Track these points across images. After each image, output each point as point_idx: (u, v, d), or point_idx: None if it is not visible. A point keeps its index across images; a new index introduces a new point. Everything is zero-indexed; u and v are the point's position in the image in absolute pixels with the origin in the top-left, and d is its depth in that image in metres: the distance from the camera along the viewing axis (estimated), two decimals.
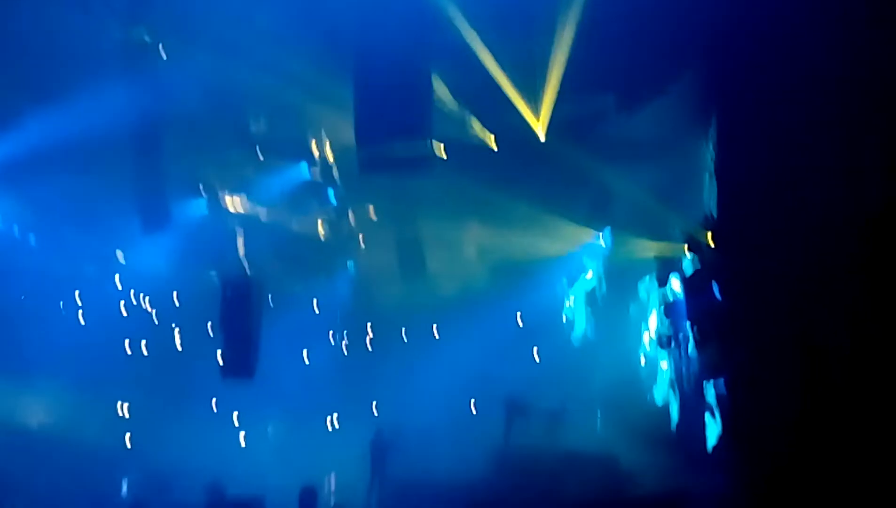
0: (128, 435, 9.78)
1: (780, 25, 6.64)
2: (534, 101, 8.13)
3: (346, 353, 10.60)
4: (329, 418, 10.43)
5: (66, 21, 7.60)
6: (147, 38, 7.74)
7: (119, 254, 9.35)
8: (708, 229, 8.03)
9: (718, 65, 7.37)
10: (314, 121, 8.80)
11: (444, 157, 7.79)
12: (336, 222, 9.93)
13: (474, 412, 10.25)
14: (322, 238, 9.97)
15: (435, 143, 7.59)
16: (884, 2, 6.15)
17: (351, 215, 9.90)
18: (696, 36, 7.34)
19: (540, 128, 8.24)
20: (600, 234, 9.61)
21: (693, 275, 8.28)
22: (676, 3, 7.19)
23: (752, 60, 6.97)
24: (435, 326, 10.44)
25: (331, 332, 10.44)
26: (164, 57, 7.86)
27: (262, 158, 8.96)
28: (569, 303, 10.60)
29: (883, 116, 6.20)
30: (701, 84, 7.74)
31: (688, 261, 8.40)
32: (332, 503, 9.14)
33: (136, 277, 9.61)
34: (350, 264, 10.25)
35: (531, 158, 8.51)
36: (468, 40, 7.61)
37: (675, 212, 8.61)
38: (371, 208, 9.82)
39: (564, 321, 10.61)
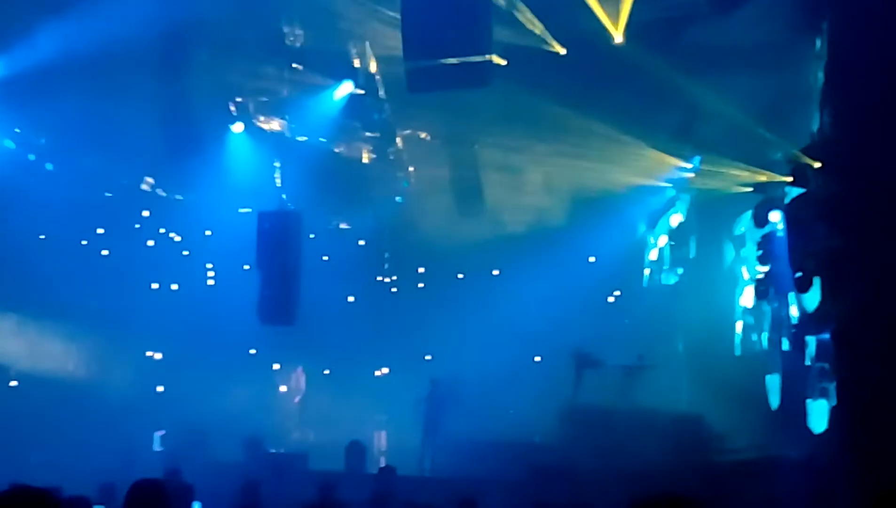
0: (160, 387, 9.37)
1: None
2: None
3: (395, 296, 9.85)
4: (377, 368, 9.80)
5: None
6: None
7: (146, 182, 8.69)
8: (816, 156, 7.08)
9: None
10: (356, 29, 7.93)
11: (504, 63, 7.06)
12: (382, 147, 9.15)
13: (539, 362, 9.44)
14: (367, 165, 9.15)
15: (494, 53, 6.81)
16: None
17: (399, 138, 9.08)
18: None
19: (617, 32, 7.18)
20: (689, 161, 8.49)
21: (797, 209, 7.35)
22: None
23: None
24: (495, 267, 9.67)
25: (378, 274, 9.69)
26: None
27: (299, 72, 8.13)
28: (651, 242, 9.71)
29: None
30: None
31: (791, 193, 7.47)
32: (382, 462, 8.49)
33: (163, 209, 8.96)
34: (399, 196, 9.42)
35: (606, 68, 7.65)
36: None
37: (776, 134, 7.61)
38: (421, 131, 8.94)
39: (645, 263, 9.72)
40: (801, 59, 7.16)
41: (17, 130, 8.15)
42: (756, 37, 7.35)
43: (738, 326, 9.06)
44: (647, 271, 9.95)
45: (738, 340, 9.07)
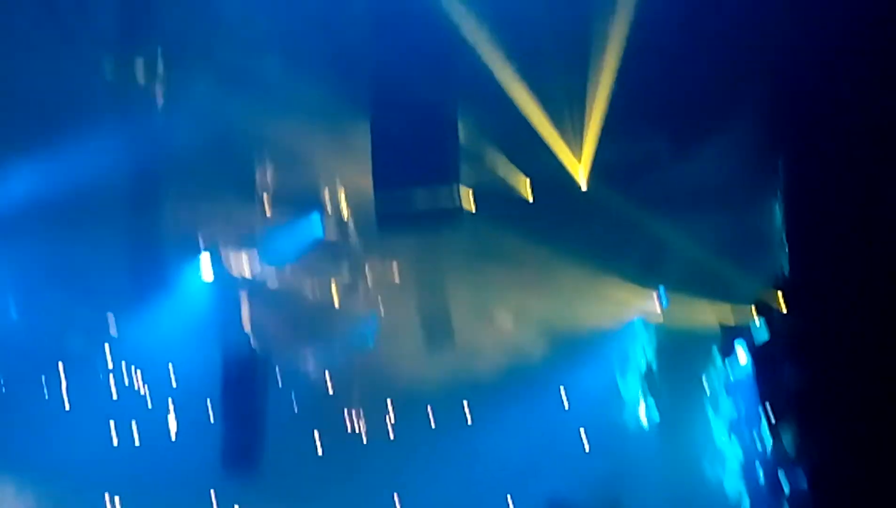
0: None
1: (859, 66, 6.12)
2: (574, 143, 7.57)
3: (364, 439, 9.68)
4: None
5: (52, 62, 7.14)
6: (141, 80, 7.17)
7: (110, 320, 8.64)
8: (780, 290, 7.21)
9: (787, 100, 6.76)
10: (327, 169, 8.17)
11: (473, 208, 7.29)
12: (352, 286, 9.18)
13: None
14: (336, 305, 9.18)
15: (463, 192, 7.05)
16: None
17: (369, 277, 9.14)
18: (762, 66, 6.79)
19: (582, 174, 7.53)
20: (656, 297, 8.69)
21: (763, 345, 7.51)
22: (738, 28, 6.75)
23: (826, 96, 6.37)
24: (466, 407, 9.43)
25: (346, 414, 9.54)
26: (161, 100, 7.28)
27: (269, 212, 8.30)
28: (621, 380, 9.55)
29: None
30: (767, 122, 7.16)
31: (757, 328, 7.62)
32: None
33: (128, 349, 8.85)
34: (368, 334, 9.42)
35: (572, 209, 7.89)
36: (498, 74, 7.19)
37: (740, 271, 7.88)
38: (392, 268, 9.05)
39: (616, 401, 9.50)
40: (760, 198, 7.51)
41: None
42: (716, 178, 7.70)
43: (717, 466, 8.87)
44: (622, 413, 9.69)
45: (716, 480, 8.84)
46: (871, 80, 6.27)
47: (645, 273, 8.49)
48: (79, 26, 7.27)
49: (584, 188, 7.75)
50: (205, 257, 8.36)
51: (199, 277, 8.64)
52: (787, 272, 7.24)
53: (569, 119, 7.50)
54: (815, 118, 6.61)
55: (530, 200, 8.11)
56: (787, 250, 7.17)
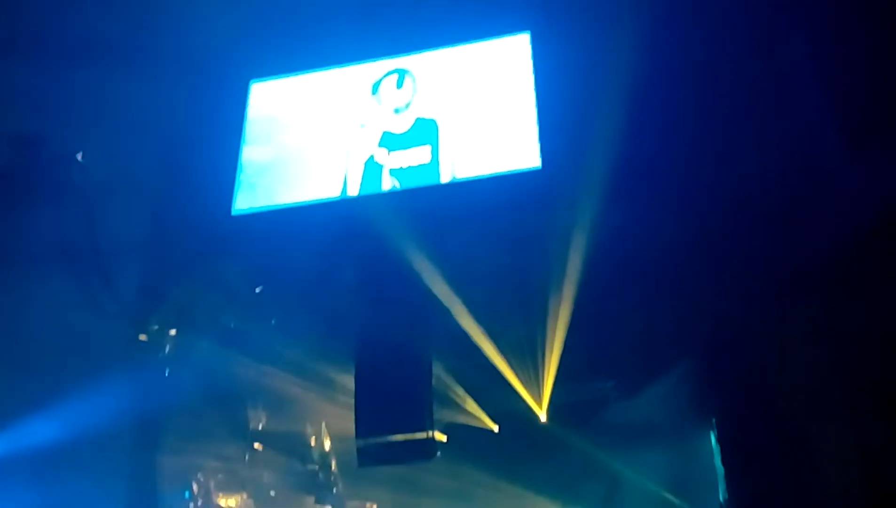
0: None
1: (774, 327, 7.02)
2: (533, 384, 8.27)
3: None
4: None
5: (70, 317, 7.85)
6: (153, 335, 7.98)
7: None
8: None
9: (716, 350, 7.73)
10: (314, 413, 8.85)
11: (444, 439, 7.86)
12: None
13: None
14: None
15: (436, 431, 7.68)
16: None
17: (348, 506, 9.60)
18: (692, 322, 7.71)
19: (541, 411, 8.28)
20: None
21: None
22: (668, 294, 7.63)
23: (749, 346, 7.36)
24: None
25: None
26: (168, 353, 8.05)
27: (259, 452, 8.87)
28: None
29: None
30: (700, 370, 8.04)
31: None
32: None
33: None
34: None
35: (534, 442, 8.47)
36: (467, 329, 7.90)
37: (690, 503, 8.47)
38: (370, 501, 9.52)
39: None
40: (701, 434, 8.19)
41: None
42: (660, 417, 8.41)
43: None
44: None
45: None
46: (787, 333, 7.25)
47: (604, 505, 9.03)
48: (99, 285, 8.05)
49: (543, 419, 8.47)
50: (196, 490, 8.86)
51: None
52: (727, 501, 7.95)
53: (528, 364, 8.23)
54: (743, 364, 7.56)
55: (495, 429, 8.81)
56: (725, 482, 7.92)
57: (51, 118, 7.93)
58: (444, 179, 7.72)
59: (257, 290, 7.90)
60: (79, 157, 7.83)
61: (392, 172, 7.92)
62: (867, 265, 6.40)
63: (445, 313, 7.72)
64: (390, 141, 8.05)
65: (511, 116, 7.77)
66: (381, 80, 8.34)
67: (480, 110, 7.91)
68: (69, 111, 7.94)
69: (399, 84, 8.31)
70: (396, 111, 8.19)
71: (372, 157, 8.01)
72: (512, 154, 7.61)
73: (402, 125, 8.12)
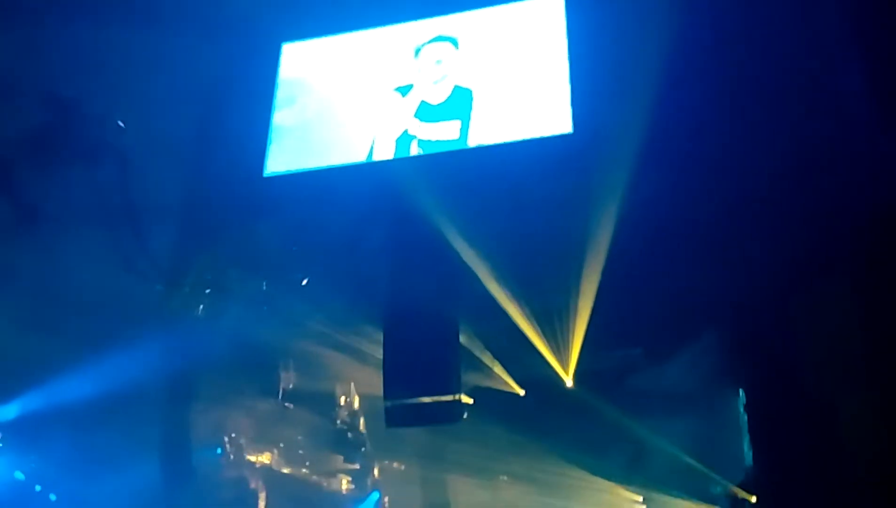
0: None
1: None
2: (562, 351, 8.29)
3: None
4: None
5: (109, 276, 7.99)
6: (187, 297, 8.10)
7: None
8: (750, 490, 7.92)
9: (745, 318, 7.64)
10: (343, 372, 8.96)
11: (471, 402, 7.92)
12: (361, 477, 9.78)
13: None
14: (345, 494, 9.73)
15: (463, 394, 7.74)
16: None
17: (377, 469, 9.77)
18: (721, 290, 7.61)
19: (568, 376, 8.31)
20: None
21: None
22: (697, 263, 7.55)
23: (777, 315, 7.25)
24: None
25: None
26: (201, 314, 8.18)
27: (289, 411, 9.02)
28: None
29: None
30: (728, 337, 8.00)
31: None
32: None
33: None
34: None
35: (560, 407, 8.53)
36: (495, 294, 7.89)
37: (715, 470, 8.57)
38: (397, 461, 9.69)
39: None
40: (727, 401, 8.26)
41: (31, 464, 8.77)
42: (687, 384, 8.48)
43: None
44: None
45: None
46: (816, 302, 7.20)
47: (627, 473, 9.10)
48: (134, 246, 8.14)
49: (570, 384, 8.52)
50: (227, 447, 9.04)
51: (221, 465, 9.34)
52: (754, 470, 7.98)
53: (556, 330, 8.28)
54: (770, 334, 7.53)
55: (521, 393, 8.87)
56: (752, 451, 7.94)
57: (87, 80, 8.00)
58: (470, 143, 7.63)
59: (293, 249, 7.96)
60: (120, 123, 7.91)
61: (420, 142, 7.90)
62: (892, 239, 6.33)
63: (474, 277, 7.72)
64: (426, 112, 7.97)
65: (543, 81, 7.67)
66: (423, 45, 8.20)
67: (514, 75, 7.80)
68: (105, 73, 8.00)
69: (441, 52, 8.16)
70: (435, 82, 8.10)
71: (407, 126, 7.95)
72: (544, 119, 7.54)
73: (439, 95, 8.02)
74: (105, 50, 7.93)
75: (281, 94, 8.36)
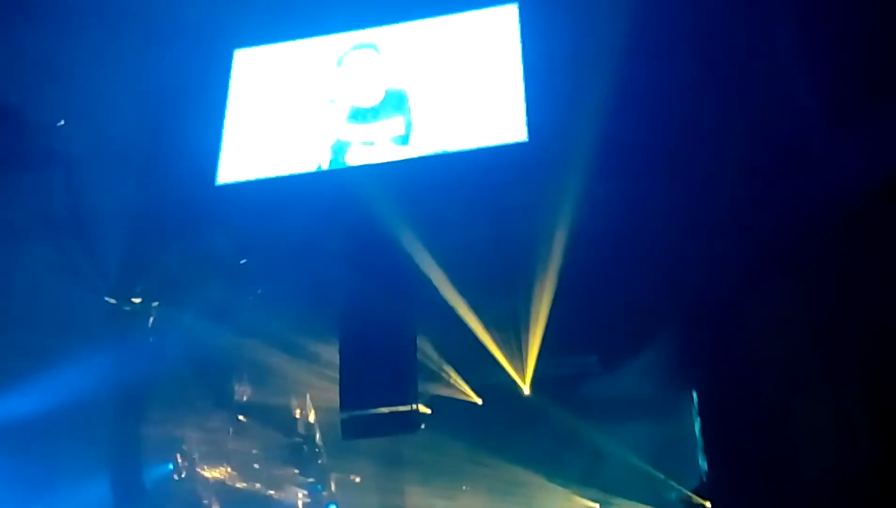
0: None
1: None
2: (517, 358, 8.30)
3: None
4: None
5: (54, 287, 7.79)
6: (137, 307, 7.93)
7: None
8: (704, 495, 8.00)
9: (697, 324, 7.76)
10: (298, 385, 8.85)
11: (429, 412, 7.96)
12: (317, 491, 9.63)
13: None
14: (300, 504, 9.59)
15: (420, 403, 7.67)
16: None
17: (333, 482, 9.63)
18: (674, 296, 7.77)
19: (525, 384, 8.33)
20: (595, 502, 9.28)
21: None
22: (651, 268, 7.66)
23: (729, 320, 7.37)
24: None
25: None
26: (152, 324, 8.02)
27: (243, 424, 8.87)
28: None
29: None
30: (681, 343, 8.11)
31: None
32: None
33: None
34: None
35: (518, 415, 8.52)
36: (452, 302, 7.87)
37: (670, 476, 8.64)
38: (353, 474, 9.57)
39: None
40: (681, 407, 8.32)
41: None
42: (642, 390, 8.54)
43: None
44: None
45: None
46: (770, 306, 7.30)
47: (584, 480, 9.12)
48: (82, 256, 7.95)
49: (526, 392, 8.53)
50: (180, 462, 8.85)
51: (173, 481, 9.11)
52: (708, 476, 8.06)
53: (512, 338, 8.28)
54: (723, 338, 7.62)
55: (479, 402, 8.86)
56: (705, 452, 8.02)
57: (32, 86, 7.81)
58: (422, 151, 7.62)
59: (242, 262, 7.86)
60: (60, 123, 7.71)
61: (364, 144, 7.84)
62: (847, 243, 6.44)
63: (430, 286, 7.68)
64: (359, 115, 7.92)
65: (498, 89, 7.70)
66: (344, 54, 8.17)
67: (464, 82, 7.79)
68: (51, 79, 7.81)
69: (364, 58, 8.15)
70: (365, 87, 8.02)
71: (340, 133, 7.89)
72: (498, 127, 7.56)
73: (370, 99, 8.00)
74: (52, 55, 7.75)
75: (232, 101, 8.25)
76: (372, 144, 7.79)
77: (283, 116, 8.13)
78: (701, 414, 7.96)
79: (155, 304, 7.94)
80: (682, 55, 6.94)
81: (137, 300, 7.90)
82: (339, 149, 7.84)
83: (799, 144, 6.54)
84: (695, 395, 8.05)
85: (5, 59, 7.70)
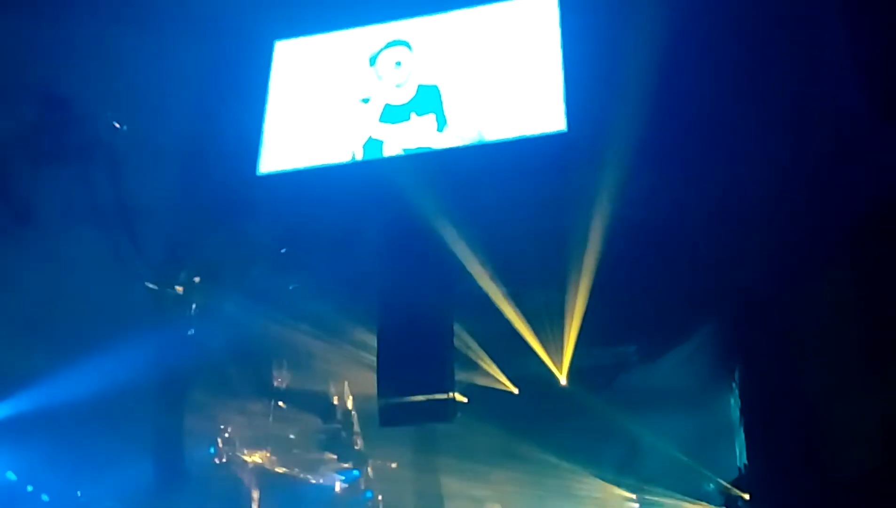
0: None
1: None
2: (555, 348, 8.25)
3: None
4: None
5: (99, 275, 7.89)
6: (180, 292, 8.02)
7: None
8: (743, 487, 7.90)
9: (739, 315, 7.65)
10: (337, 372, 8.90)
11: (465, 400, 7.85)
12: (354, 477, 9.71)
13: None
14: (339, 494, 9.67)
15: (456, 392, 7.65)
16: None
17: (370, 468, 9.70)
18: (715, 287, 7.67)
19: (562, 374, 8.27)
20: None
21: None
22: (693, 260, 7.55)
23: (772, 313, 7.27)
24: None
25: None
26: (194, 311, 8.10)
27: (282, 410, 8.95)
28: None
29: None
30: (722, 335, 8.00)
31: None
32: None
33: None
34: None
35: (554, 405, 8.50)
36: (489, 292, 7.86)
37: (708, 467, 8.54)
38: (390, 460, 9.62)
39: None
40: (720, 399, 8.27)
41: (23, 465, 8.66)
42: (680, 381, 8.48)
43: None
44: None
45: None
46: (812, 300, 7.17)
47: (621, 471, 9.07)
48: (127, 244, 8.05)
49: (563, 382, 8.49)
50: (221, 446, 8.95)
51: (214, 465, 9.23)
52: (747, 467, 7.97)
53: (549, 328, 8.24)
54: (764, 334, 7.49)
55: (515, 391, 8.83)
56: (745, 447, 7.93)
57: (79, 78, 7.91)
58: (459, 142, 7.54)
59: (282, 250, 7.91)
60: (115, 124, 7.81)
61: (398, 139, 7.79)
62: (895, 235, 6.30)
63: (468, 276, 7.67)
64: (392, 112, 7.86)
65: (536, 79, 7.61)
66: (378, 52, 8.10)
67: (501, 73, 7.68)
68: (98, 71, 7.91)
69: (397, 56, 8.04)
70: (398, 85, 7.96)
71: (374, 130, 7.84)
72: (537, 117, 7.49)
73: (403, 96, 7.90)
74: (98, 48, 7.84)
75: (273, 91, 8.27)
76: (406, 138, 7.76)
77: (322, 107, 8.13)
78: (741, 406, 7.87)
79: (198, 291, 8.02)
80: (726, 43, 6.82)
81: (180, 288, 8.00)
82: (375, 143, 7.84)
83: (846, 135, 6.40)
84: (735, 387, 7.97)
85: (54, 51, 7.81)
